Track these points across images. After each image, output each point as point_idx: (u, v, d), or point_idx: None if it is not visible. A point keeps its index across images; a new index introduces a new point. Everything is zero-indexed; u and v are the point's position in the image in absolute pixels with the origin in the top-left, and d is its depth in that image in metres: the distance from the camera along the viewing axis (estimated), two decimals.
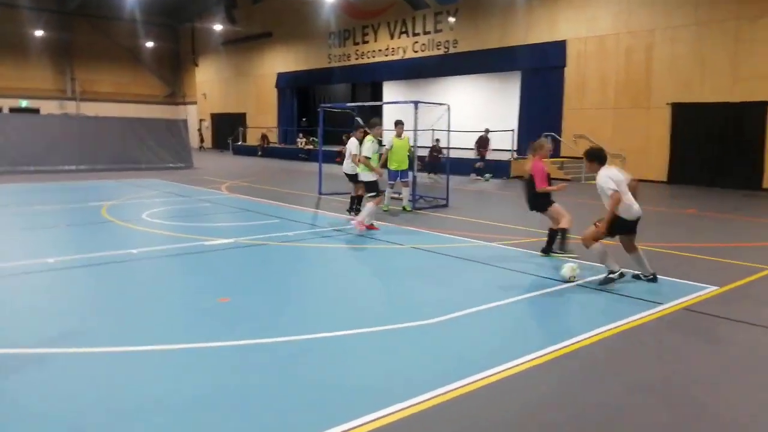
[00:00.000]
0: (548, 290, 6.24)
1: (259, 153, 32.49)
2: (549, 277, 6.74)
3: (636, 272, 6.68)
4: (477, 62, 24.24)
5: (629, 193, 6.36)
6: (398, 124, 11.75)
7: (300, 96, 35.16)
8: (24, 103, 38.57)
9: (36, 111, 37.35)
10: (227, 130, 38.47)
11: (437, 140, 19.37)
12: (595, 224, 6.44)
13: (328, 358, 4.36)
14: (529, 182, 7.93)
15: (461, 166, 19.81)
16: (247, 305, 5.62)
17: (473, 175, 20.12)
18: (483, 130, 20.65)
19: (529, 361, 4.28)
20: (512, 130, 21.81)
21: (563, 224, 7.89)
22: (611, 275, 6.33)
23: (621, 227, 6.38)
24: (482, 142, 20.28)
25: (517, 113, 23.77)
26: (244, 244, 8.49)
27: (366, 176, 9.82)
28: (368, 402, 3.60)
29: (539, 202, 8.02)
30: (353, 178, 10.82)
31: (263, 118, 36.03)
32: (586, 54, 20.84)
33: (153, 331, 4.90)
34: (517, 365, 4.19)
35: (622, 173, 6.46)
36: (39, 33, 38.19)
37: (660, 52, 18.91)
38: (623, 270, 6.42)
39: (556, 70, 21.63)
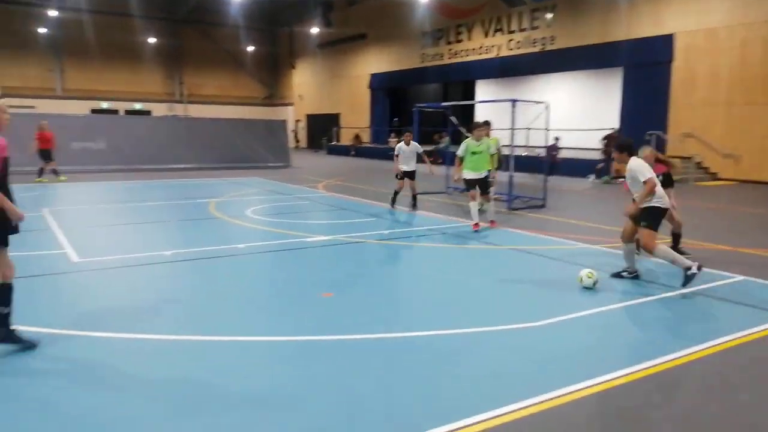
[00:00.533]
0: (654, 297, 5.94)
1: (352, 153, 33.11)
2: (654, 282, 6.41)
3: (617, 271, 6.64)
4: (576, 59, 23.47)
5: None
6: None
7: (392, 96, 35.55)
8: (138, 106, 41.52)
9: (148, 113, 40.12)
10: (321, 130, 39.52)
11: (556, 138, 18.89)
12: (637, 222, 6.33)
13: (434, 356, 4.39)
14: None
15: (565, 167, 19.26)
16: (349, 301, 5.76)
17: (592, 177, 19.28)
18: (609, 129, 19.65)
19: (641, 370, 4.10)
20: (614, 129, 20.89)
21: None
22: (690, 272, 6.05)
23: (659, 217, 6.34)
24: (610, 141, 18.97)
25: (618, 111, 22.77)
26: (342, 241, 8.69)
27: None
28: (477, 402, 3.59)
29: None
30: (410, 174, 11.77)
31: (356, 119, 36.69)
32: (696, 48, 19.60)
33: (263, 323, 5.13)
34: (627, 374, 4.03)
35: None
36: (152, 40, 40.98)
37: None
38: (697, 263, 6.11)
39: (662, 65, 20.50)
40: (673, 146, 20.01)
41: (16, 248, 7.77)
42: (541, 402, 3.59)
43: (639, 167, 6.22)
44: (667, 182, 7.57)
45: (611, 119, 22.52)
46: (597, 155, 20.24)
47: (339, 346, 4.58)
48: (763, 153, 18.07)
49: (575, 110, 24.91)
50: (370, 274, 6.93)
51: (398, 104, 35.83)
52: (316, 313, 5.35)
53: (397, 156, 11.87)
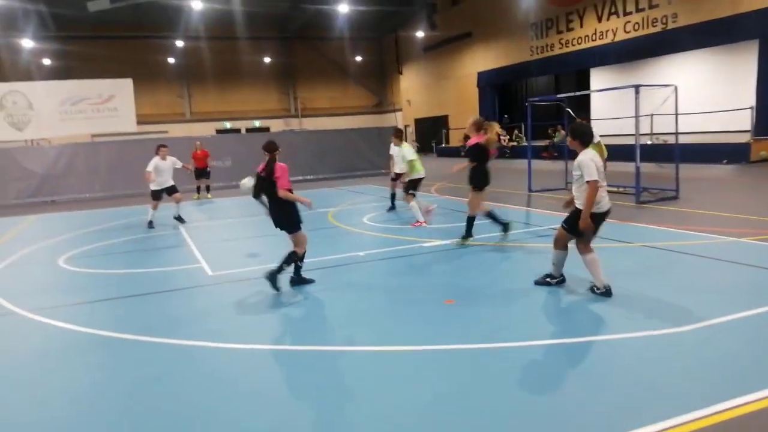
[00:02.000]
0: None
1: (462, 153, 32.69)
2: None
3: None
4: (702, 35, 21.60)
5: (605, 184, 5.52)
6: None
7: (501, 93, 34.83)
8: (257, 123, 43.90)
9: (267, 130, 42.27)
10: (430, 133, 39.53)
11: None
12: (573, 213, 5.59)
13: (571, 365, 4.14)
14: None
15: (696, 153, 17.80)
16: (472, 307, 5.61)
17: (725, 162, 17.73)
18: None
19: None
20: (750, 108, 19.01)
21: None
22: (598, 291, 5.61)
23: (597, 223, 5.54)
24: None
25: (753, 89, 20.65)
26: (460, 245, 8.54)
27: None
28: (626, 416, 3.32)
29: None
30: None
31: (465, 119, 35.96)
32: None
33: (391, 332, 5.12)
34: None
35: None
36: (266, 59, 43.20)
37: None
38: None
39: None
40: None
41: (163, 264, 8.47)
42: (705, 416, 3.24)
43: (586, 163, 5.34)
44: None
45: (746, 99, 20.48)
46: (730, 138, 18.52)
47: (467, 355, 4.45)
48: None
49: (703, 92, 22.91)
50: (490, 279, 6.72)
51: (508, 100, 35.05)
52: (439, 322, 5.25)
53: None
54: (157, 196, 12.01)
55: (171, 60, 40.98)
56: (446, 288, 6.38)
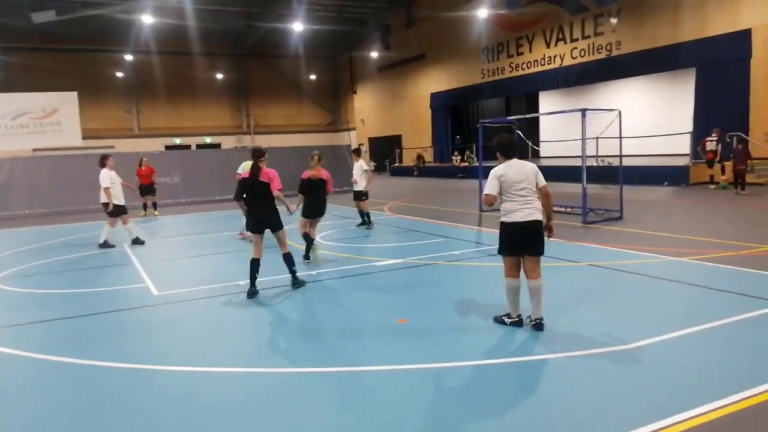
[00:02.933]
0: (755, 313, 5.46)
1: (415, 173, 33.07)
2: (755, 296, 5.91)
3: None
4: (644, 62, 22.58)
5: (517, 197, 5.16)
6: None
7: (453, 114, 35.43)
8: (208, 140, 43.17)
9: (218, 146, 41.61)
10: (384, 152, 39.79)
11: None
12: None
13: (521, 384, 4.16)
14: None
15: (639, 175, 18.44)
16: (425, 326, 5.60)
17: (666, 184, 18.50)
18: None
19: (747, 398, 3.73)
20: (689, 133, 19.93)
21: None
22: (509, 320, 5.43)
23: (507, 233, 5.24)
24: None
25: (691, 114, 21.68)
26: (412, 264, 8.56)
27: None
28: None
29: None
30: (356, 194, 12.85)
31: (418, 139, 36.70)
32: None
33: (345, 351, 5.05)
34: (735, 402, 3.67)
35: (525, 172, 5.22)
36: (218, 76, 42.70)
37: None
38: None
39: (740, 63, 19.38)
40: (757, 147, 18.81)
41: (106, 284, 8.14)
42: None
43: (490, 177, 5.24)
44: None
45: (685, 123, 21.47)
46: (670, 161, 19.32)
47: (421, 374, 4.43)
48: None
49: (646, 117, 23.89)
50: (441, 298, 6.73)
51: (460, 122, 35.66)
52: (393, 341, 5.22)
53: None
54: (120, 211, 11.31)
55: (119, 74, 39.99)
56: (398, 307, 6.36)
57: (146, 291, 7.56)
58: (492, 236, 10.65)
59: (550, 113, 14.56)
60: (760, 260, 7.65)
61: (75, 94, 21.00)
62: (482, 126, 14.80)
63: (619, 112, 12.10)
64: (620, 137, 12.20)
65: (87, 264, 9.84)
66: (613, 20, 23.79)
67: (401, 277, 7.88)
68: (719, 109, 19.82)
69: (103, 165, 11.26)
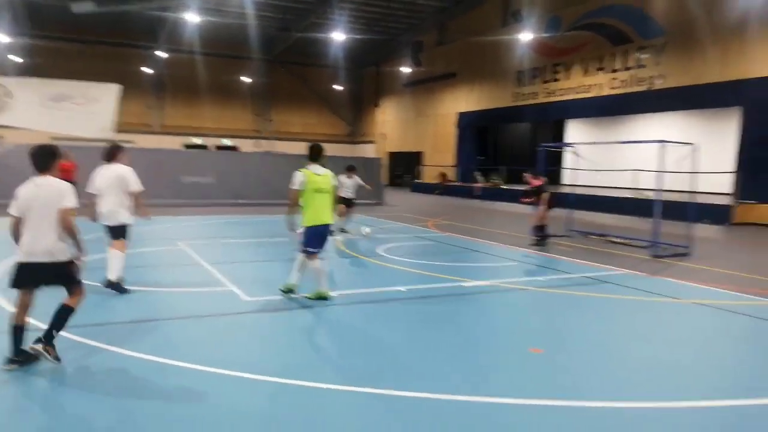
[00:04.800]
0: None
1: (437, 191, 32.78)
2: None
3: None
4: (688, 98, 22.45)
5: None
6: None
7: (479, 135, 35.27)
8: (226, 142, 42.88)
9: (235, 149, 41.32)
10: (403, 168, 39.56)
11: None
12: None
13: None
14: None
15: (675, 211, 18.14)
16: (563, 359, 5.25)
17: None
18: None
19: None
20: (735, 172, 19.72)
21: None
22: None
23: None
24: None
25: (730, 153, 21.51)
26: (504, 288, 8.22)
27: None
28: None
29: None
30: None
31: (440, 157, 36.49)
32: None
33: (491, 380, 4.69)
34: None
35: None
36: (245, 79, 42.55)
37: None
38: None
39: None
40: None
41: (184, 285, 7.74)
42: None
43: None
44: None
45: (723, 161, 21.25)
46: (710, 199, 19.07)
47: (572, 411, 4.07)
48: None
49: (680, 151, 23.64)
50: (561, 328, 6.39)
51: (484, 143, 35.49)
52: (534, 372, 4.86)
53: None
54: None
55: (147, 70, 39.81)
56: (521, 334, 6.01)
57: (235, 296, 7.19)
58: (566, 264, 10.29)
59: (624, 142, 14.39)
60: None
61: (118, 87, 20.52)
62: (544, 149, 14.52)
63: (696, 146, 11.83)
64: (693, 172, 11.92)
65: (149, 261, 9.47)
66: (644, 55, 23.80)
67: (504, 301, 7.54)
68: (765, 149, 19.64)
69: (114, 160, 7.28)
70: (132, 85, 39.41)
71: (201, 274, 8.55)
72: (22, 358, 4.51)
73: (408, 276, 8.91)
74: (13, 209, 4.57)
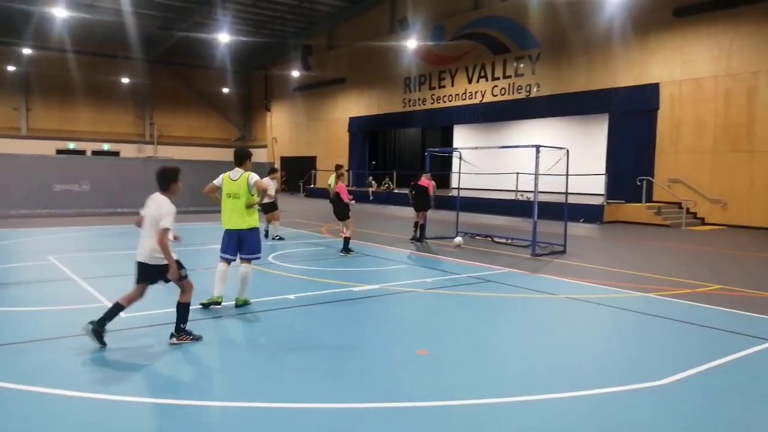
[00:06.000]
0: (754, 349, 5.79)
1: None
2: (750, 335, 6.28)
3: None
4: (561, 105, 24.07)
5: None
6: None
7: (370, 140, 35.66)
8: (106, 147, 40.32)
9: (116, 154, 38.97)
10: (296, 173, 39.17)
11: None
12: None
13: (567, 423, 4.07)
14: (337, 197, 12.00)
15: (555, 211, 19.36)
16: (446, 359, 5.38)
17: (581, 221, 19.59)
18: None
19: None
20: (603, 174, 21.38)
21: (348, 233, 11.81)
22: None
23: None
24: None
25: (603, 156, 23.36)
26: (391, 290, 8.32)
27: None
28: None
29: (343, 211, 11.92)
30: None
31: (333, 161, 36.30)
32: (681, 97, 20.37)
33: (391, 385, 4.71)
34: None
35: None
36: (124, 80, 40.19)
37: (765, 95, 18.31)
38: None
39: (648, 113, 21.19)
40: (661, 191, 20.56)
41: (48, 303, 7.12)
42: None
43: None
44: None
45: (595, 164, 23.04)
46: (584, 200, 20.61)
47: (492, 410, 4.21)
48: (750, 198, 18.68)
49: (557, 155, 25.30)
50: (446, 328, 6.56)
51: (376, 147, 35.95)
52: (418, 373, 4.95)
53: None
54: None
55: (11, 68, 36.51)
56: (409, 336, 6.10)
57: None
58: (453, 265, 10.63)
59: (504, 147, 14.95)
60: (718, 298, 8.19)
61: None
62: (430, 154, 14.93)
63: (567, 150, 12.66)
64: (567, 174, 12.75)
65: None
66: (522, 65, 25.32)
67: (391, 304, 7.61)
68: (630, 155, 21.51)
69: None
70: None
71: (72, 289, 7.92)
72: (100, 329, 5.31)
73: (298, 283, 8.79)
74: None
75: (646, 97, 21.11)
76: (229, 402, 4.26)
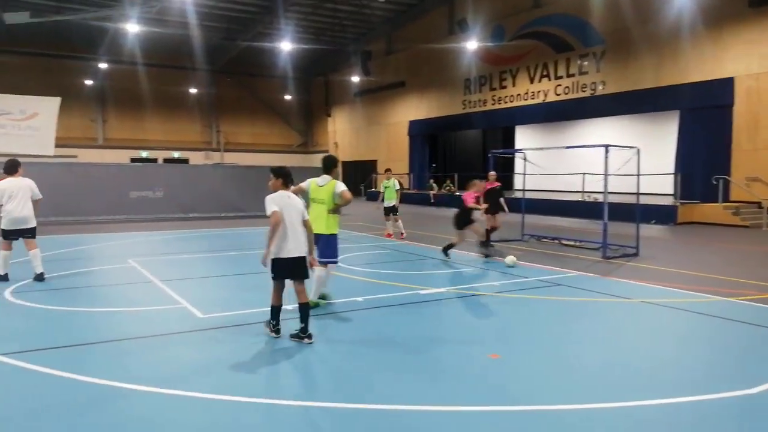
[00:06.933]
0: None
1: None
2: None
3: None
4: (628, 103, 23.31)
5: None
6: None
7: (431, 142, 35.62)
8: (176, 155, 42.01)
9: (186, 161, 40.52)
10: (357, 176, 39.57)
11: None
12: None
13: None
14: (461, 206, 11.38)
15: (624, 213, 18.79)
16: (519, 363, 5.33)
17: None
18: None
19: None
20: (676, 174, 20.56)
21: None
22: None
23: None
24: None
25: (672, 155, 22.43)
26: (456, 294, 8.31)
27: None
28: None
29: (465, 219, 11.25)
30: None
31: (394, 165, 36.51)
32: (759, 91, 19.34)
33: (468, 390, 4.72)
34: None
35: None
36: (192, 90, 41.78)
37: None
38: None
39: (722, 109, 20.23)
40: (739, 190, 19.57)
41: (135, 304, 7.50)
42: None
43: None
44: None
45: (664, 163, 22.14)
46: (654, 200, 19.84)
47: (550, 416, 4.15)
48: None
49: (625, 155, 24.49)
50: (521, 333, 6.50)
51: (436, 150, 35.87)
52: (489, 377, 4.92)
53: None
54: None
55: (87, 82, 38.62)
56: (481, 340, 6.07)
57: (188, 313, 7.01)
58: (519, 268, 10.44)
59: (571, 147, 14.63)
60: None
61: (58, 100, 19.92)
62: (493, 156, 14.79)
63: (638, 149, 12.26)
64: (638, 174, 12.35)
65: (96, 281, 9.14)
66: (585, 62, 24.64)
67: (460, 307, 7.60)
68: (703, 153, 20.58)
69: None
70: (73, 98, 38.18)
71: (154, 291, 8.31)
72: (277, 329, 5.97)
73: (365, 286, 8.91)
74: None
75: (719, 93, 20.15)
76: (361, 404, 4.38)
